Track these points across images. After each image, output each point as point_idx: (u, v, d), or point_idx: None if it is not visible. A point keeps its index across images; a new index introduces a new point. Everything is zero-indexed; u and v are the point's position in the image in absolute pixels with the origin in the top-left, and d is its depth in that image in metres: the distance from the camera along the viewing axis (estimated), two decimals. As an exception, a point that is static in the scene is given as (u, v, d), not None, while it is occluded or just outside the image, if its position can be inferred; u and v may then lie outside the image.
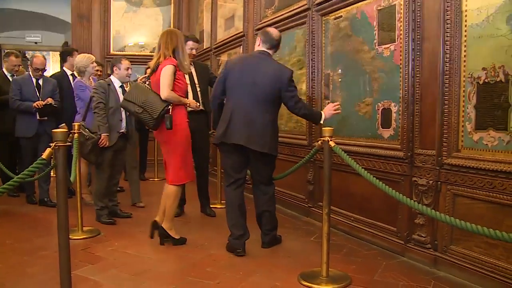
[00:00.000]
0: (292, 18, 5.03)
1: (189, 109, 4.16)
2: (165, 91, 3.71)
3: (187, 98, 4.27)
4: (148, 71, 4.03)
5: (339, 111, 3.77)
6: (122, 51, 8.72)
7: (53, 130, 2.30)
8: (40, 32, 11.12)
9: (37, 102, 5.06)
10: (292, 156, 4.99)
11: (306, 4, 4.74)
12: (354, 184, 4.03)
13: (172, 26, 9.02)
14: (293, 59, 5.06)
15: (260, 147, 3.53)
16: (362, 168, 2.85)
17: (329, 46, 4.43)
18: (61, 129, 2.31)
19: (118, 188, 5.85)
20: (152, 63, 3.88)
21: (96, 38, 8.65)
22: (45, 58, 5.55)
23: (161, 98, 3.72)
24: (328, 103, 4.39)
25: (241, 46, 6.43)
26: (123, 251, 3.74)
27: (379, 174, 3.68)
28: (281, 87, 3.56)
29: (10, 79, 5.57)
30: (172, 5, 9.06)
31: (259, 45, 3.75)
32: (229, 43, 6.90)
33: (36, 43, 11.25)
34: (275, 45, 3.75)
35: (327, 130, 2.93)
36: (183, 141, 3.85)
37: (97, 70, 5.80)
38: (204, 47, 8.08)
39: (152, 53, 8.55)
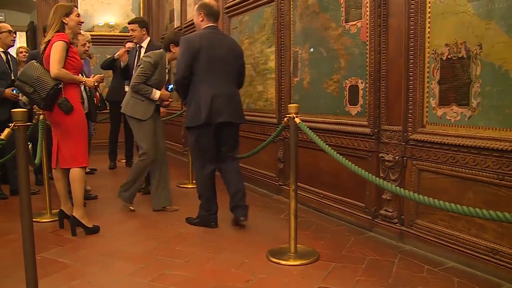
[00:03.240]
0: (261, -4, 4.99)
1: None
2: (54, 68, 3.43)
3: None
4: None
5: None
6: (90, 31, 8.48)
7: (12, 110, 2.24)
8: (3, 11, 10.74)
9: (13, 94, 4.68)
10: (262, 135, 5.00)
11: (274, -18, 4.70)
12: (322, 161, 4.07)
13: (141, 5, 8.89)
14: (262, 37, 5.03)
15: (242, 119, 3.85)
16: (328, 145, 2.89)
17: (297, 23, 4.41)
18: (21, 109, 2.25)
19: (88, 170, 5.82)
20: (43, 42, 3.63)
21: (63, 18, 8.39)
22: None
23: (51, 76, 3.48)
24: (297, 81, 4.41)
25: (211, 25, 6.33)
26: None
27: (347, 150, 3.72)
28: (241, 60, 3.88)
29: None
30: (142, -17, 8.89)
31: (202, 20, 3.77)
32: (198, 21, 6.80)
33: (-2, 22, 10.92)
34: (218, 16, 3.86)
35: (292, 107, 2.94)
36: (79, 122, 3.62)
37: None
38: (175, 26, 7.96)
39: (122, 33, 8.50)
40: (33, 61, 3.61)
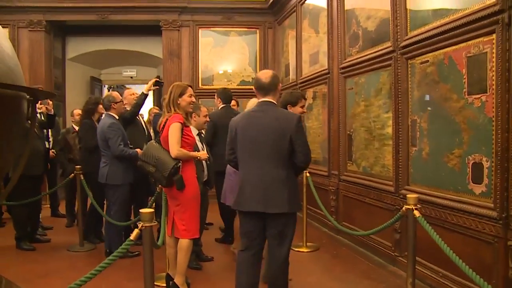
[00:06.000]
0: (377, 60, 4.94)
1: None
2: (174, 150, 3.75)
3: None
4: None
5: None
6: (210, 85, 9.03)
7: (140, 210, 2.42)
8: (135, 67, 11.85)
9: None
10: (378, 201, 4.88)
11: (390, 46, 4.64)
12: (442, 237, 3.78)
13: (258, 59, 9.23)
14: (379, 101, 4.95)
15: (280, 209, 3.18)
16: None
17: (415, 91, 4.29)
18: (148, 209, 2.42)
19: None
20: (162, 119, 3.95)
21: (186, 73, 9.06)
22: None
23: (171, 156, 3.78)
24: (415, 150, 4.26)
25: (326, 84, 6.38)
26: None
27: (469, 232, 3.50)
28: (288, 136, 3.20)
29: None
30: (258, 38, 9.28)
31: (256, 95, 3.47)
32: (313, 79, 6.89)
33: (131, 77, 12.03)
34: (269, 88, 3.34)
35: (412, 198, 2.84)
36: (193, 197, 3.86)
37: None
38: (290, 81, 8.14)
39: (240, 86, 8.91)
40: (152, 141, 4.03)
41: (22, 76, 3.07)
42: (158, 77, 5.84)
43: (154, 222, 2.42)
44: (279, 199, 3.19)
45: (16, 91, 2.54)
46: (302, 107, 4.32)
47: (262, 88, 3.35)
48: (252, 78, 9.10)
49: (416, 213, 2.76)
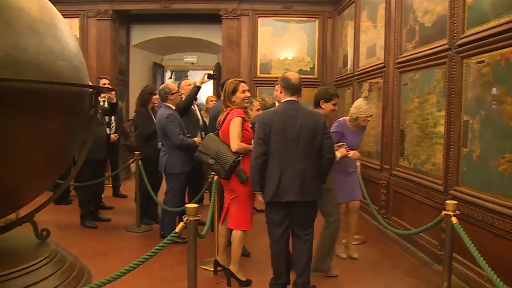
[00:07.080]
0: (432, 57, 4.87)
1: None
2: (235, 144, 3.91)
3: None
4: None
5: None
6: (268, 74, 9.16)
7: (186, 205, 2.60)
8: (196, 53, 12.18)
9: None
10: (427, 199, 4.86)
11: (446, 44, 4.56)
12: (488, 242, 3.79)
13: (316, 48, 9.22)
14: (433, 99, 4.89)
15: (312, 197, 3.66)
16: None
17: (469, 91, 4.22)
18: (193, 204, 2.59)
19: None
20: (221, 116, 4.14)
21: (244, 61, 9.23)
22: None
23: (231, 149, 3.94)
24: (466, 151, 4.20)
25: (382, 77, 6.34)
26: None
27: (519, 239, 3.45)
28: (319, 132, 3.64)
29: None
30: (317, 28, 9.25)
31: (281, 92, 3.76)
32: (370, 72, 6.86)
33: (192, 63, 12.36)
34: (297, 90, 3.73)
35: (451, 204, 2.85)
36: (250, 191, 3.93)
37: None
38: (348, 72, 8.12)
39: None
40: (211, 134, 4.15)
41: (86, 72, 3.34)
42: (217, 63, 6.04)
43: (199, 217, 2.60)
44: (314, 188, 3.67)
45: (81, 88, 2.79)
46: (334, 105, 4.52)
47: (292, 88, 3.70)
48: (310, 67, 9.18)
49: (454, 219, 2.77)
